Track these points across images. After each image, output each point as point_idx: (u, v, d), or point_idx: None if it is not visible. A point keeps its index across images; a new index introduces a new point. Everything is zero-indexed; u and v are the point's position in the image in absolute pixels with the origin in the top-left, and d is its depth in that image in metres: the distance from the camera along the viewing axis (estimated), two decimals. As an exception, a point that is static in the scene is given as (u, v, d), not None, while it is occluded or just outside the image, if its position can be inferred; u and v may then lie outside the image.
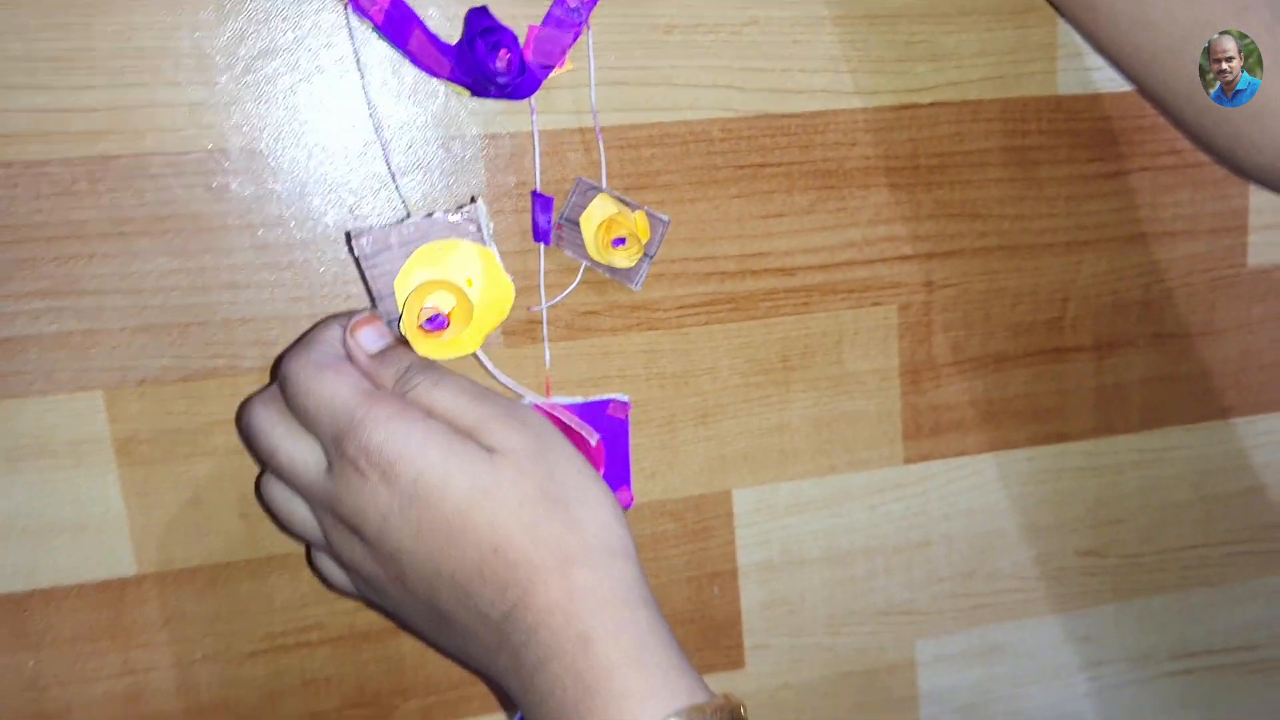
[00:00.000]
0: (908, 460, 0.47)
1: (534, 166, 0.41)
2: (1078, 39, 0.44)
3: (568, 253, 0.41)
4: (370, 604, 0.41)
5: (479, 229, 0.38)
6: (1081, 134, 0.46)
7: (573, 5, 0.40)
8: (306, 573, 0.41)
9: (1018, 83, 0.45)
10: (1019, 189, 0.46)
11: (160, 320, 0.39)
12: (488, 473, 0.33)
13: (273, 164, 0.39)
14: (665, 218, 0.41)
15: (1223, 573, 0.52)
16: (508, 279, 0.38)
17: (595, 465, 0.42)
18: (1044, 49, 0.45)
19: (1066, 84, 0.45)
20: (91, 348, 0.39)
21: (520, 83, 0.39)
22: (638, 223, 0.41)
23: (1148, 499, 0.50)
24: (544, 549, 0.33)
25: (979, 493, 0.48)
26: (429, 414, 0.35)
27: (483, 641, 0.34)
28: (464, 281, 0.37)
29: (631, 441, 0.43)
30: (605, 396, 0.43)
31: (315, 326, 0.38)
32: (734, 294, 0.44)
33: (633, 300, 0.43)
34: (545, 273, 0.41)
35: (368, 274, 0.38)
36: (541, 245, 0.41)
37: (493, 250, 0.38)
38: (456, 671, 0.43)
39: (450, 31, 0.39)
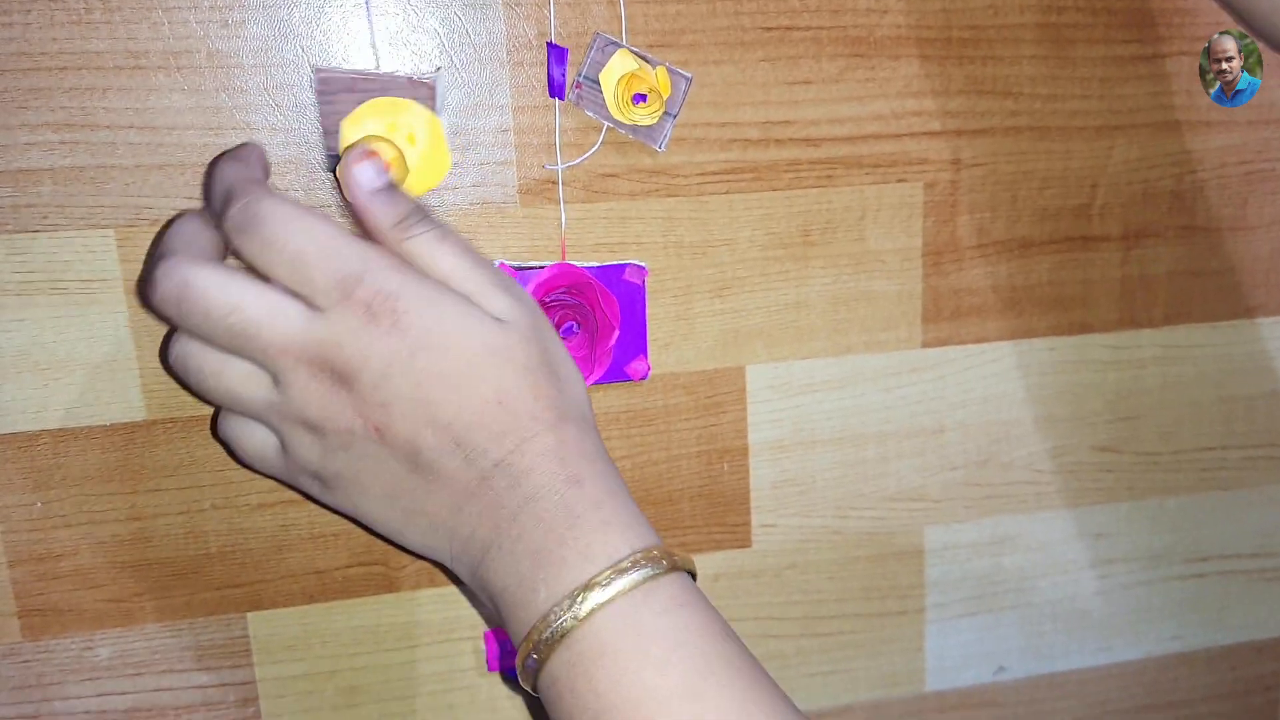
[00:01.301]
0: (926, 344, 0.46)
1: (550, 19, 0.40)
2: (1121, -89, 0.43)
3: (588, 112, 0.41)
4: (293, 480, 0.37)
5: (433, 97, 0.39)
6: (1119, 13, 0.44)
7: None
8: (316, 425, 0.41)
9: (1057, -45, 0.43)
10: (1052, 68, 0.44)
11: (174, 159, 0.38)
12: (499, 334, 0.35)
13: (289, 1, 0.38)
14: (688, 74, 0.40)
15: (1240, 476, 0.51)
16: (448, 152, 0.39)
17: (611, 330, 0.42)
18: (1086, -80, 0.43)
19: (1107, -41, 0.44)
20: (105, 183, 0.38)
21: None
22: (659, 79, 0.40)
23: (1167, 396, 0.49)
24: (543, 406, 0.35)
25: (996, 381, 0.47)
26: (429, 269, 0.35)
27: (456, 491, 0.34)
28: (405, 140, 0.38)
29: (647, 311, 0.43)
30: (622, 261, 0.42)
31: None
32: (756, 163, 0.43)
33: (653, 164, 0.42)
34: (566, 132, 0.41)
35: (322, 110, 0.39)
36: (557, 101, 0.40)
37: (441, 121, 0.39)
38: (463, 535, 0.43)
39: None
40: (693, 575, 0.35)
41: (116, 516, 0.40)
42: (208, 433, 0.40)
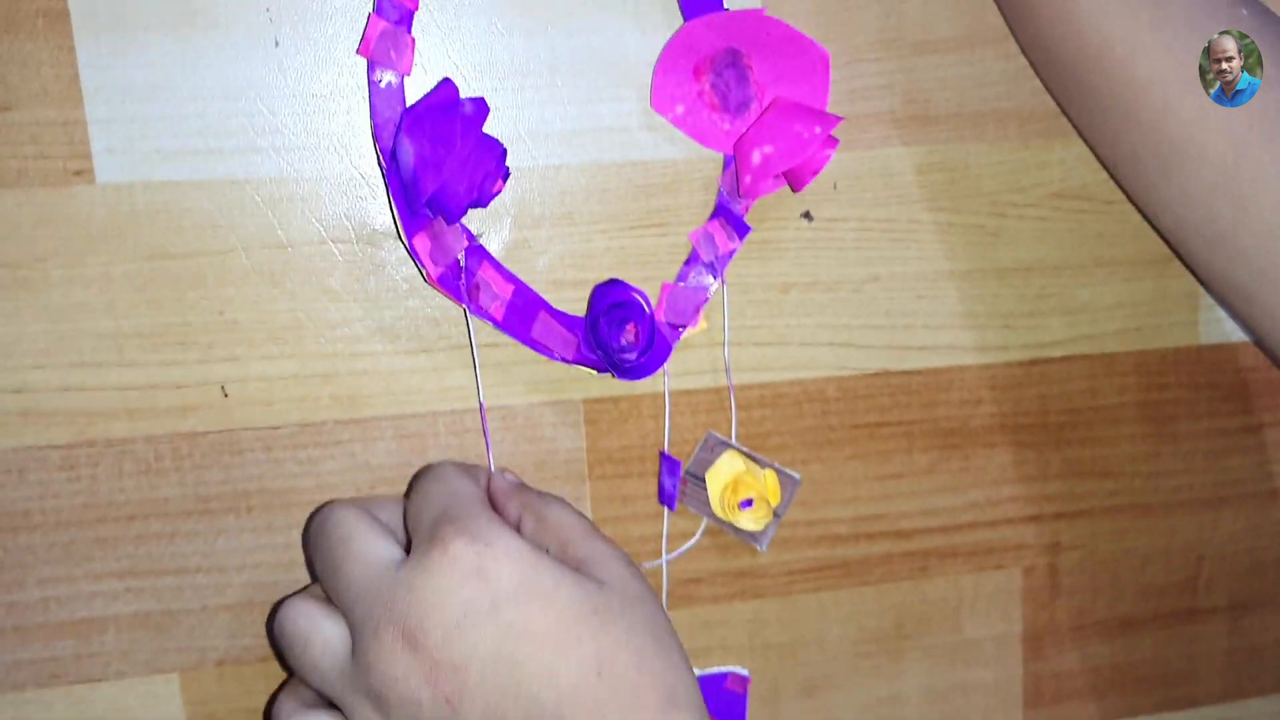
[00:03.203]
0: (1026, 730, 0.43)
1: (664, 428, 0.38)
2: (1222, 288, 0.41)
3: (691, 508, 0.39)
4: None
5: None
6: (1222, 386, 0.42)
7: (707, 260, 0.37)
8: None
9: (1156, 334, 0.42)
10: (1154, 445, 0.42)
11: (242, 599, 0.36)
12: (598, 595, 0.31)
13: (369, 437, 0.36)
14: (796, 476, 0.38)
15: (1360, 841, 0.48)
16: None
17: None
18: (1186, 299, 0.41)
19: (1209, 334, 0.42)
20: (170, 628, 0.36)
21: (648, 360, 0.36)
22: (767, 483, 0.38)
23: (1281, 765, 0.46)
24: (649, 683, 0.30)
25: (1101, 762, 0.44)
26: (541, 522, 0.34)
27: None
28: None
29: (732, 712, 0.41)
30: (724, 669, 0.40)
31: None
32: (847, 559, 0.41)
33: (739, 567, 0.40)
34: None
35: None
36: (666, 509, 0.38)
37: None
38: None
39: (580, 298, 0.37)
40: None
41: None
42: None
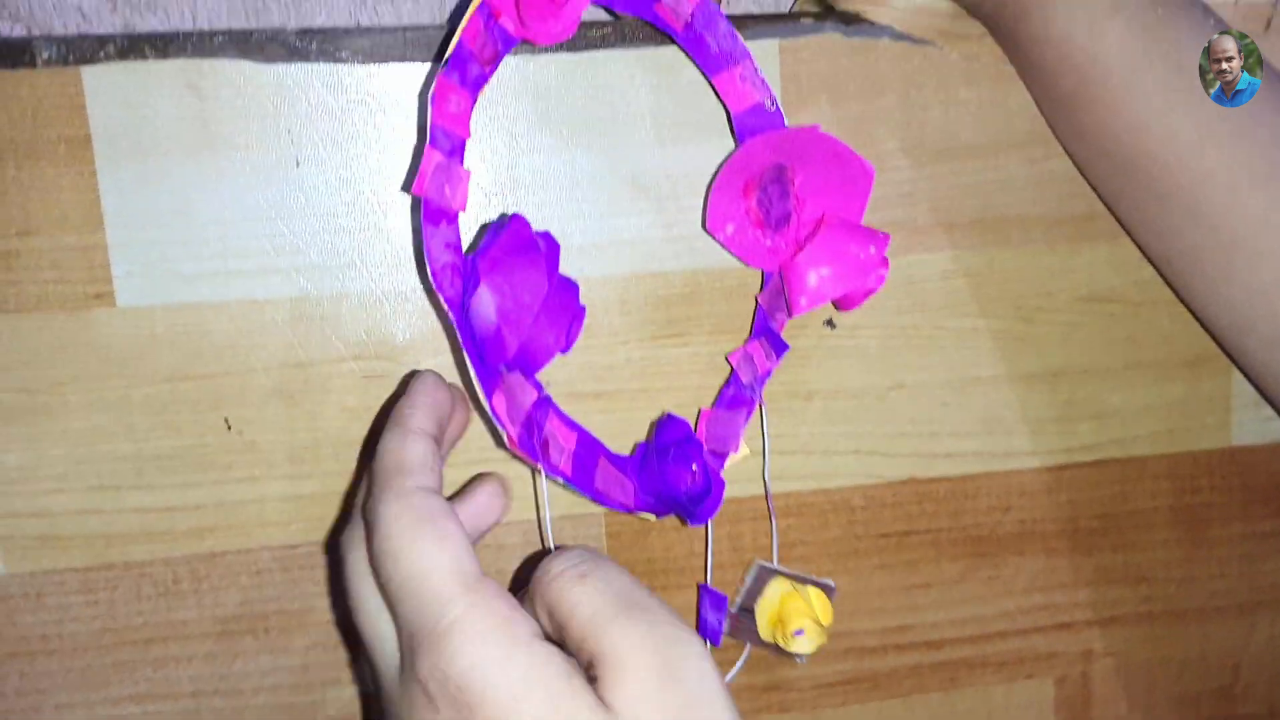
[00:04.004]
0: (1062, 843, 0.42)
1: (706, 564, 0.37)
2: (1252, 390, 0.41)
3: (747, 642, 0.38)
4: None
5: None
6: (1257, 488, 0.42)
7: (746, 381, 0.36)
8: None
9: (1188, 436, 0.41)
10: (1187, 549, 0.41)
11: (260, 720, 0.36)
12: None
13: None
14: (831, 584, 0.37)
15: None
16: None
17: None
18: (1218, 401, 0.41)
19: (1242, 435, 0.41)
20: (186, 757, 0.36)
21: (711, 502, 0.34)
22: (815, 602, 0.36)
23: None
24: None
25: None
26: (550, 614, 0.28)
27: None
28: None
29: (758, 828, 0.40)
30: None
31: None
32: (875, 671, 0.40)
33: (765, 681, 0.39)
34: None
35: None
36: (709, 644, 0.37)
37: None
38: None
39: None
40: None
41: None
42: None
